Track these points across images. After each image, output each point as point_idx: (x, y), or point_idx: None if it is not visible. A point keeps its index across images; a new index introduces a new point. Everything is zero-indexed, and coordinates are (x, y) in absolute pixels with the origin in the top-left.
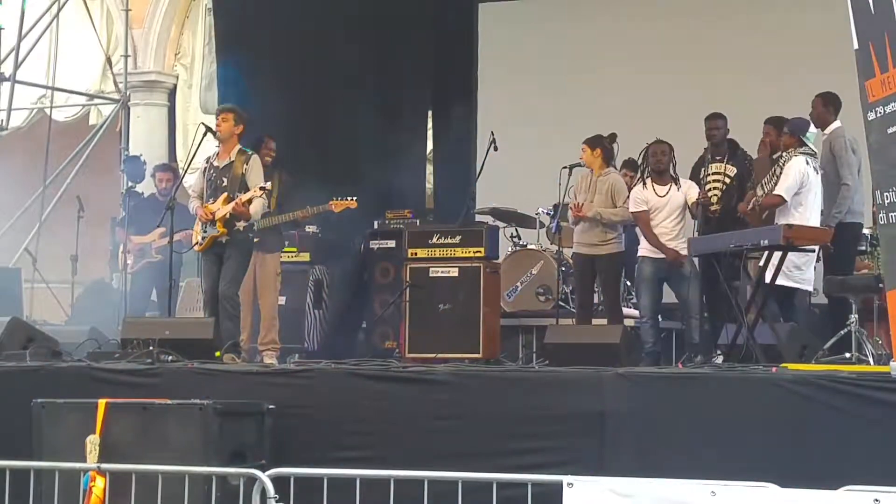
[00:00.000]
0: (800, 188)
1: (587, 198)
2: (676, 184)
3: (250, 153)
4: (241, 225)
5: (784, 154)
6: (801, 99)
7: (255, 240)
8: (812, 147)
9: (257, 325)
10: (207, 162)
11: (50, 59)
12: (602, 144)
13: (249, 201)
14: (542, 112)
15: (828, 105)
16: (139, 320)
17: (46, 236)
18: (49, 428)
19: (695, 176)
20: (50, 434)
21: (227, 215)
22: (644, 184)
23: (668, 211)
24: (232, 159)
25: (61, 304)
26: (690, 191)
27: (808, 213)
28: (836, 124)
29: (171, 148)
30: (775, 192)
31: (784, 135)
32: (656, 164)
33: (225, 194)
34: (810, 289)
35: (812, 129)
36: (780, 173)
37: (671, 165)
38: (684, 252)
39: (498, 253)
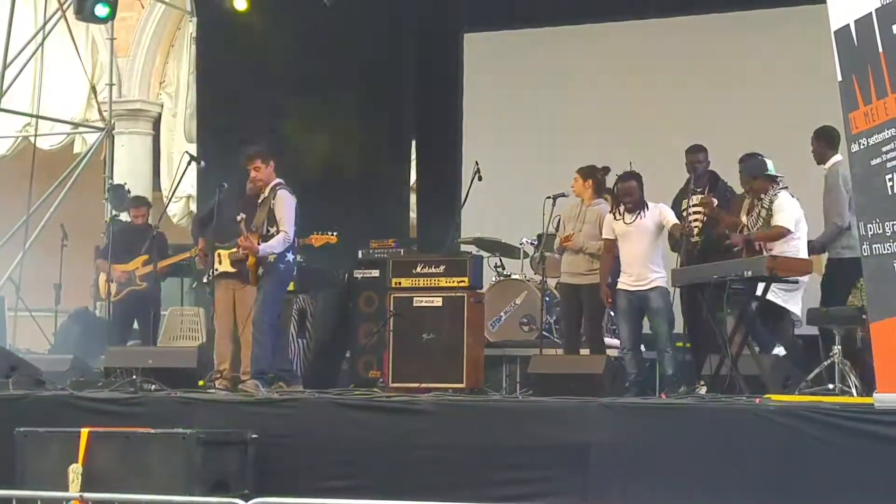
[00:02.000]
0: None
1: (575, 227)
2: (644, 211)
3: (278, 188)
4: (271, 256)
5: (763, 196)
6: (783, 127)
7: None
8: (781, 176)
9: (237, 354)
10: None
11: (35, 88)
12: (594, 176)
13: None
14: (527, 142)
15: (820, 139)
16: (122, 349)
17: (30, 264)
18: (31, 457)
19: (676, 207)
20: (32, 463)
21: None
22: (616, 213)
23: (636, 238)
24: (266, 195)
25: (44, 332)
26: (666, 216)
27: (802, 242)
28: (836, 158)
29: (156, 177)
30: (780, 224)
31: (754, 180)
32: (627, 201)
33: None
34: (797, 310)
35: (769, 161)
36: (767, 214)
37: (638, 198)
38: (658, 279)
39: (482, 283)
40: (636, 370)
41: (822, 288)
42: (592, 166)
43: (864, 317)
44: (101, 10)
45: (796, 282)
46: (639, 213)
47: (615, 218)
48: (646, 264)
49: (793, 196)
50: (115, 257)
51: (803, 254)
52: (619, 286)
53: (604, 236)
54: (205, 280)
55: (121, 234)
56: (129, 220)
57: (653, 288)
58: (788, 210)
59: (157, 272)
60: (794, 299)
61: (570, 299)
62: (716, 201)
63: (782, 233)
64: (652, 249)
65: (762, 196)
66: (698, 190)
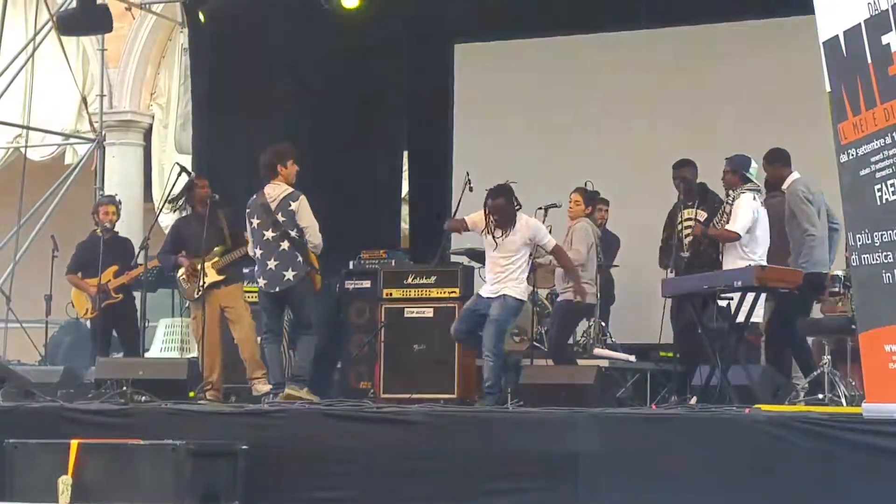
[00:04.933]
0: (752, 224)
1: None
2: (511, 227)
3: None
4: None
5: (731, 192)
6: (773, 138)
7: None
8: (756, 182)
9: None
10: None
11: (25, 99)
12: (595, 202)
13: None
14: (518, 153)
15: (773, 163)
16: (112, 360)
17: (21, 276)
18: (21, 468)
19: (671, 221)
20: (22, 474)
21: None
22: (489, 228)
23: (500, 253)
24: None
25: (35, 343)
26: (538, 237)
27: (757, 246)
28: (792, 177)
29: (147, 188)
30: (730, 229)
31: (727, 173)
32: (496, 218)
33: None
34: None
35: (754, 164)
36: (730, 211)
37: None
38: (507, 290)
39: (473, 293)
40: (491, 377)
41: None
42: (595, 193)
43: (853, 327)
44: None
45: (787, 291)
46: (507, 230)
47: (482, 227)
48: (505, 279)
49: (756, 199)
50: (86, 272)
51: (760, 255)
52: (481, 291)
53: (463, 217)
54: (195, 296)
55: (91, 248)
56: (118, 231)
57: (498, 296)
58: (742, 214)
59: (128, 282)
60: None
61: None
62: (699, 225)
63: (730, 237)
64: (515, 265)
65: (729, 192)
66: (689, 204)
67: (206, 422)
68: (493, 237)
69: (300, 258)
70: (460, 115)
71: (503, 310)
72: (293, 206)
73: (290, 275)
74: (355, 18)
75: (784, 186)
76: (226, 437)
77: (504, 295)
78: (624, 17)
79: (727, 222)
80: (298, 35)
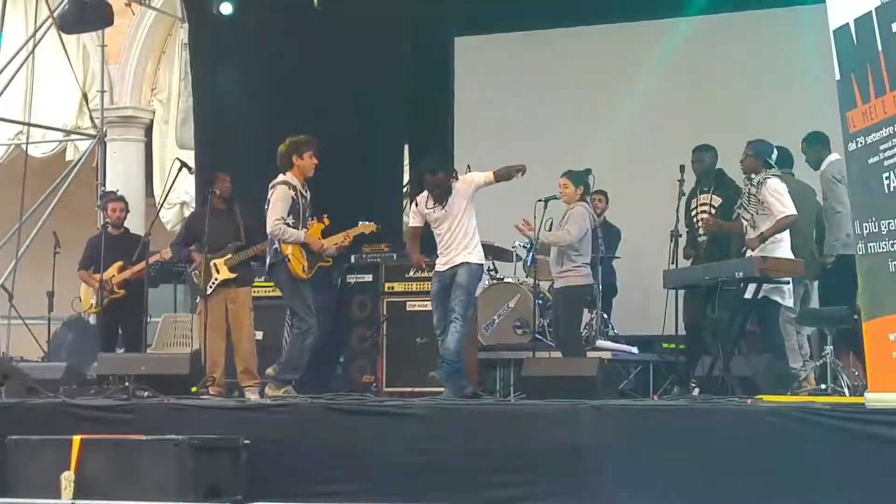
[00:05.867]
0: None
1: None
2: (449, 196)
3: None
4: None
5: (754, 176)
6: (778, 128)
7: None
8: (777, 169)
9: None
10: (294, 190)
11: (26, 96)
12: (585, 182)
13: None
14: (519, 145)
15: (814, 145)
16: (115, 356)
17: (23, 273)
18: (24, 464)
19: (687, 208)
20: (24, 470)
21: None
22: (428, 202)
23: (446, 223)
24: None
25: (38, 340)
26: (473, 181)
27: (784, 234)
28: (831, 158)
29: (148, 183)
30: (785, 214)
31: (748, 157)
32: (438, 193)
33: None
34: (790, 303)
35: (775, 152)
36: (756, 192)
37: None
38: (468, 255)
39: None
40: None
41: (825, 285)
42: (582, 174)
43: (855, 317)
44: None
45: (787, 282)
46: (445, 201)
47: (426, 207)
48: (459, 245)
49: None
50: (96, 268)
51: (787, 253)
52: (435, 269)
53: (411, 224)
54: (208, 293)
55: (95, 243)
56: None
57: (461, 264)
58: (783, 196)
59: (132, 278)
60: (783, 288)
61: (553, 300)
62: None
63: (788, 223)
64: (464, 229)
65: (752, 176)
66: (704, 189)
67: (209, 417)
68: (434, 211)
69: (276, 245)
70: (461, 108)
71: (469, 275)
72: (269, 194)
73: (269, 261)
74: (356, 12)
75: (821, 168)
76: (228, 431)
77: (466, 262)
78: (624, 9)
79: (754, 210)
80: (298, 29)
